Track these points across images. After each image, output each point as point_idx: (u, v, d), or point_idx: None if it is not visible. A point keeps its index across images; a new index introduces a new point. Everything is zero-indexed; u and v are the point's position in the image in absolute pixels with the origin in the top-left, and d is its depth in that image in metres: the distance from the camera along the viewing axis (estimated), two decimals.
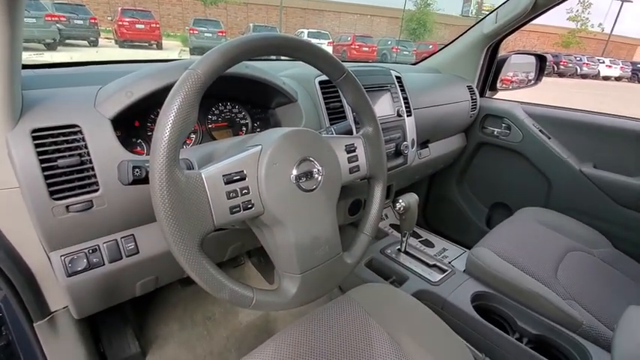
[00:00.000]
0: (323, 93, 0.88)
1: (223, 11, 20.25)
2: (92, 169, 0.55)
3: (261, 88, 0.79)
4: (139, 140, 0.71)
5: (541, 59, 1.62)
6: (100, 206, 0.57)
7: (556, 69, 17.37)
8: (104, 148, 0.56)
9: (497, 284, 0.95)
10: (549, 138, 1.38)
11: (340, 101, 0.90)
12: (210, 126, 0.81)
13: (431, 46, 17.23)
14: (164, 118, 0.41)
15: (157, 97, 0.59)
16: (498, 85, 1.59)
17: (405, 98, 1.09)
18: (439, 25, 22.67)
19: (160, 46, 13.53)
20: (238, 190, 0.47)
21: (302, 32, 17.09)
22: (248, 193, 0.48)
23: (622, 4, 24.18)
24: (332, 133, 0.70)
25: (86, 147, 0.55)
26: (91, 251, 0.60)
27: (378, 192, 0.68)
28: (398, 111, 1.03)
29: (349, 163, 0.62)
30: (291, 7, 22.51)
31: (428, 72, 1.54)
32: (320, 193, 0.54)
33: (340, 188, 0.58)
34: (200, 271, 0.44)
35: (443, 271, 1.01)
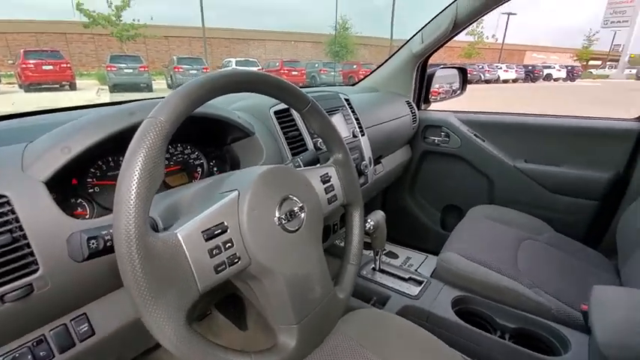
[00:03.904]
0: (280, 123, 0.86)
1: (142, 46, 19.41)
2: (28, 245, 0.45)
3: (214, 125, 0.74)
4: (79, 200, 0.61)
5: (462, 71, 1.80)
6: (41, 289, 0.46)
7: None
8: (41, 219, 0.46)
9: (471, 286, 0.99)
10: (484, 141, 1.52)
11: (298, 129, 0.89)
12: None
13: (355, 66, 18.35)
14: (128, 176, 0.35)
15: (97, 149, 0.51)
16: (430, 98, 1.73)
17: (357, 119, 1.11)
18: (359, 46, 24.36)
19: (73, 87, 12.41)
20: (221, 245, 0.41)
21: (229, 61, 17.07)
22: (232, 246, 0.43)
23: (508, 17, 28.58)
24: (299, 165, 0.68)
25: (18, 221, 0.45)
26: (35, 344, 0.49)
27: (356, 218, 0.66)
28: (353, 132, 1.05)
29: (326, 193, 0.60)
30: (215, 37, 22.45)
31: (368, 91, 1.61)
32: (305, 231, 0.51)
33: (323, 221, 0.56)
34: (193, 351, 0.37)
35: (419, 282, 1.03)
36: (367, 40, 25.63)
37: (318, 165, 0.64)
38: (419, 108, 1.68)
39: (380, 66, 1.68)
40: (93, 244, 0.39)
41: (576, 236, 1.33)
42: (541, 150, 1.42)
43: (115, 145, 0.53)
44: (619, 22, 28.04)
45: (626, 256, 0.99)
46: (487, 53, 29.65)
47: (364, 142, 1.11)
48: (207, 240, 0.40)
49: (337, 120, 1.02)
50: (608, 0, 27.92)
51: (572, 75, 25.34)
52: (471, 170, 1.58)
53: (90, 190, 0.62)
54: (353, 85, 1.75)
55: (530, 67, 24.24)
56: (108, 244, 0.40)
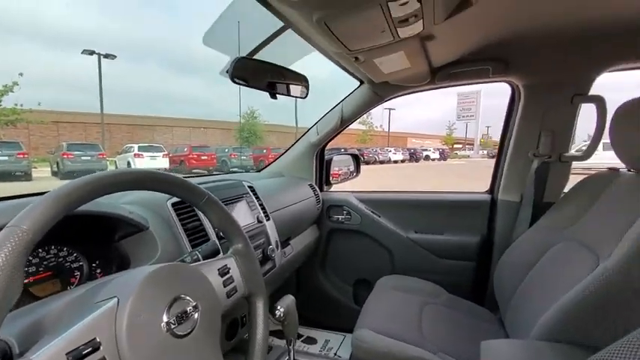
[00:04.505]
0: (178, 214, 0.83)
1: (24, 131, 17.22)
2: None
3: (98, 221, 0.68)
4: None
5: (355, 157, 2.06)
6: None
7: (362, 159, 22.33)
8: None
9: None
10: (379, 216, 1.69)
11: (199, 219, 0.87)
12: (26, 281, 0.62)
13: (265, 150, 19.25)
14: None
15: None
16: (331, 179, 1.91)
17: (262, 204, 1.14)
18: (267, 133, 26.01)
19: None
20: None
21: (131, 147, 16.16)
22: None
23: (390, 112, 35.32)
24: (197, 258, 0.65)
25: None
26: None
27: (260, 309, 0.64)
28: (257, 217, 1.07)
29: (225, 286, 0.58)
30: (116, 123, 21.42)
31: (273, 176, 1.70)
32: (200, 332, 0.47)
33: (221, 318, 0.53)
34: None
35: None
36: (275, 128, 27.64)
37: (218, 256, 0.63)
38: (321, 190, 1.82)
39: (283, 153, 1.82)
40: None
41: (466, 295, 1.49)
42: (427, 221, 1.64)
43: None
44: (467, 116, 37.90)
45: (505, 307, 1.14)
46: (378, 139, 34.80)
47: (270, 226, 1.13)
48: None
49: (241, 207, 1.04)
50: (457, 100, 37.29)
51: (443, 156, 31.40)
52: (373, 244, 1.71)
53: None
54: (259, 170, 1.83)
55: (412, 150, 29.20)
56: None
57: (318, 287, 1.82)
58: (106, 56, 17.24)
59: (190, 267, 0.52)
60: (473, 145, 40.15)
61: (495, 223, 1.51)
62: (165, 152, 15.56)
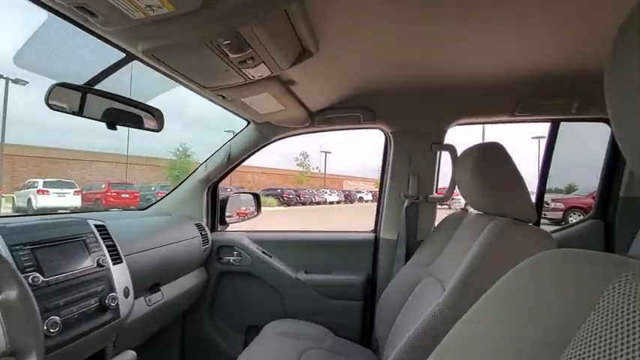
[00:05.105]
0: None
1: None
2: None
3: None
4: None
5: (256, 196, 2.02)
6: None
7: (299, 200, 22.40)
8: None
9: None
10: (271, 257, 1.64)
11: None
12: None
13: None
14: None
15: None
16: (229, 219, 1.84)
17: (112, 245, 1.03)
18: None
19: None
20: None
21: (35, 182, 14.16)
22: None
23: (325, 155, 36.47)
24: None
25: None
26: None
27: None
28: (98, 261, 0.95)
29: None
30: (21, 155, 18.78)
31: (158, 215, 1.57)
32: None
33: None
34: None
35: None
36: None
37: None
38: (214, 230, 1.73)
39: (172, 191, 1.72)
40: None
41: (353, 337, 1.47)
42: (316, 261, 1.63)
43: None
44: None
45: (383, 346, 1.14)
46: (315, 181, 35.60)
47: (118, 270, 1.00)
48: None
49: (73, 249, 0.91)
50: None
51: (375, 197, 33.14)
52: (265, 286, 1.63)
53: None
54: (144, 209, 1.69)
55: (347, 192, 30.39)
56: None
57: (205, 337, 1.66)
58: (16, 81, 15.51)
59: None
60: None
61: (378, 261, 1.56)
62: (78, 189, 13.90)
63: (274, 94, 1.08)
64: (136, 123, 0.89)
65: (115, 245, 1.04)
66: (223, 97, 1.05)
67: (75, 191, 13.60)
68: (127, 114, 0.86)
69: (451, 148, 1.39)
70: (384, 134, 1.52)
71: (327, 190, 27.55)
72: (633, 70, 0.26)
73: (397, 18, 0.82)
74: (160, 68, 0.86)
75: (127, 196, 15.12)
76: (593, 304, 0.31)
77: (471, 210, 1.19)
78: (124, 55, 0.80)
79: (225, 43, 0.68)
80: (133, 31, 0.67)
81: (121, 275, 1.01)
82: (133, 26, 0.65)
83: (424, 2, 0.75)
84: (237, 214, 1.95)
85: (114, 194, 14.70)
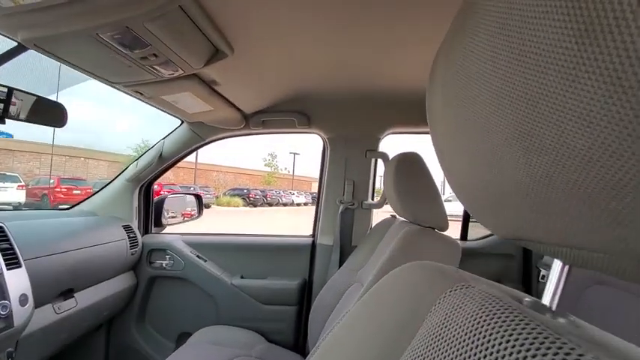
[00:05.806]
0: None
1: None
2: None
3: None
4: None
5: (198, 198, 1.96)
6: None
7: (265, 200, 22.14)
8: None
9: None
10: (205, 261, 1.59)
11: None
12: None
13: (157, 186, 17.56)
14: None
15: None
16: (172, 219, 1.77)
17: (7, 249, 0.94)
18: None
19: None
20: None
21: None
22: None
23: (294, 156, 36.69)
24: None
25: None
26: None
27: None
28: None
29: None
30: None
31: (82, 215, 1.47)
32: None
33: None
34: None
35: None
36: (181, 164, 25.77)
37: None
38: (147, 232, 1.65)
39: (99, 190, 1.62)
40: None
41: (286, 342, 1.46)
42: (252, 265, 1.60)
43: None
44: None
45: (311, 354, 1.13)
46: (283, 182, 35.39)
47: (14, 276, 0.92)
48: None
49: None
50: None
51: None
52: (199, 291, 1.58)
53: None
54: (68, 209, 1.58)
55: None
56: None
57: (132, 346, 1.57)
58: None
59: None
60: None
61: (315, 266, 1.56)
62: (22, 183, 12.82)
63: (198, 94, 1.05)
64: (36, 118, 0.82)
65: (12, 248, 0.95)
66: (141, 93, 1.01)
67: (18, 185, 12.53)
68: (21, 108, 0.79)
69: (385, 156, 1.43)
70: (322, 139, 1.53)
71: (295, 192, 27.48)
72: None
73: (313, 27, 0.82)
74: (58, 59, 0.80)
75: (79, 192, 14.14)
76: (424, 317, 0.32)
77: (399, 217, 1.23)
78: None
79: (115, 36, 0.64)
80: (10, 19, 0.61)
81: (17, 281, 0.93)
82: (10, 14, 0.60)
83: (340, 9, 0.75)
84: (183, 215, 1.89)
85: (64, 190, 13.73)
